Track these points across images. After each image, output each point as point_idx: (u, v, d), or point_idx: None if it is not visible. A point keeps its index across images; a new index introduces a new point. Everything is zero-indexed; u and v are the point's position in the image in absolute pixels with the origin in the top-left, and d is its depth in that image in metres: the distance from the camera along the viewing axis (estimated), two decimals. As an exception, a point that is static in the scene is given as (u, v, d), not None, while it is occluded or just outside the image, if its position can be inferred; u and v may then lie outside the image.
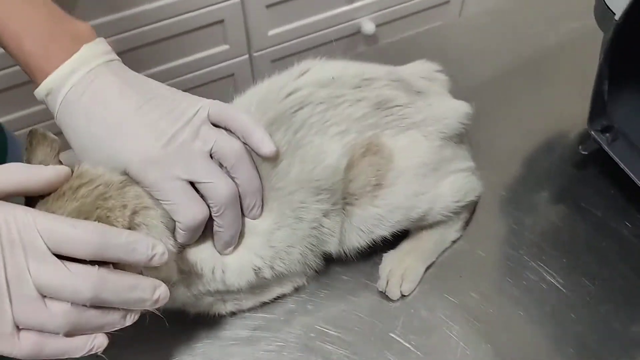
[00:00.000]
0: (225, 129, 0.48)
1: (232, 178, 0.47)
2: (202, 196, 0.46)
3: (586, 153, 0.62)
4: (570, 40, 0.75)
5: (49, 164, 0.44)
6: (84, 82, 0.45)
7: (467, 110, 0.56)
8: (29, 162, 0.44)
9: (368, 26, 1.36)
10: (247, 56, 1.30)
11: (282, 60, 1.35)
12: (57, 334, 0.40)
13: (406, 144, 0.53)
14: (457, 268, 0.57)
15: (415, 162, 0.53)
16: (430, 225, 0.57)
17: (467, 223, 0.60)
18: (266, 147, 0.47)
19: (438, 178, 0.55)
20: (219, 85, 1.32)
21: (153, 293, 0.41)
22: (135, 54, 1.17)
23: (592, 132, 0.61)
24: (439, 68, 0.60)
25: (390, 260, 0.56)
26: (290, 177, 0.49)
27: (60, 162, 0.46)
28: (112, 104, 0.45)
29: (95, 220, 0.41)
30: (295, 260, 0.51)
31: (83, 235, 0.39)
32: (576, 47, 0.74)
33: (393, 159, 0.51)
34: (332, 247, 0.53)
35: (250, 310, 0.54)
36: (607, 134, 0.61)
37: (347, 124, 0.51)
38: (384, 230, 0.53)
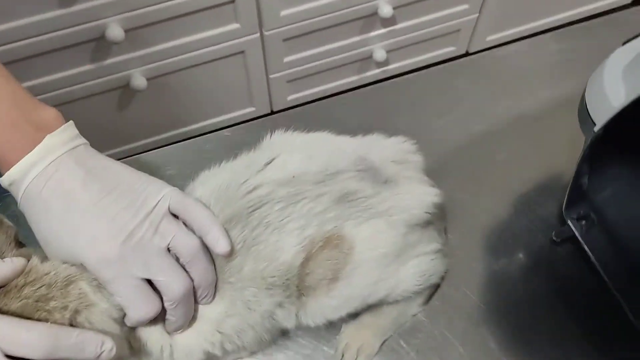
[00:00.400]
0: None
1: (187, 272, 0.48)
2: (157, 288, 0.47)
3: (558, 240, 0.62)
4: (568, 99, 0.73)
5: (4, 252, 0.45)
6: (45, 175, 0.46)
7: (435, 199, 0.56)
8: None
9: (385, 9, 1.32)
10: (258, 35, 1.27)
11: (294, 40, 1.32)
12: None
13: (369, 234, 0.52)
14: (414, 345, 0.59)
15: (377, 253, 0.53)
16: (390, 302, 0.58)
17: (429, 297, 0.60)
18: (221, 246, 0.48)
19: (400, 263, 0.55)
20: (229, 61, 1.30)
21: None
22: (147, 31, 1.15)
23: (568, 220, 0.60)
24: (414, 149, 0.59)
25: (348, 334, 0.58)
26: (243, 274, 0.50)
27: (21, 244, 0.47)
28: (72, 198, 0.45)
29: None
30: (247, 340, 0.52)
31: (36, 339, 0.41)
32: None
33: (353, 251, 0.52)
34: (289, 326, 0.54)
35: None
36: (583, 222, 0.60)
37: (307, 219, 0.51)
38: (339, 316, 0.54)
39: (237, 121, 1.48)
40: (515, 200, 0.67)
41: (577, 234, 0.59)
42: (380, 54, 1.42)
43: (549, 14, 1.57)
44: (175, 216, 0.49)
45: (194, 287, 0.49)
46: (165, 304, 0.47)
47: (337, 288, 0.52)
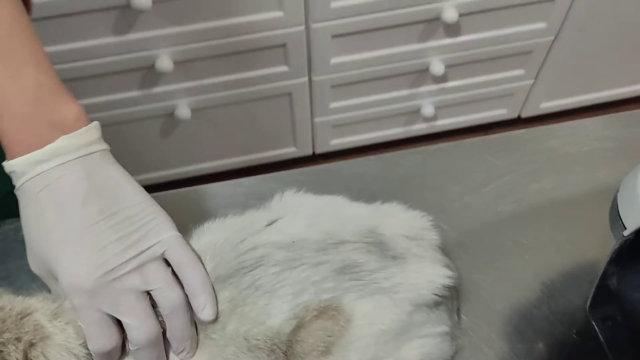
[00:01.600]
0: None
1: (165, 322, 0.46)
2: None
3: (579, 339, 0.57)
4: (607, 189, 0.69)
5: None
6: (48, 177, 0.44)
7: (446, 281, 0.53)
8: None
9: (437, 67, 1.31)
10: (306, 79, 1.27)
11: (342, 87, 1.32)
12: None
13: (370, 309, 0.50)
14: None
15: (376, 329, 0.50)
16: None
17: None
18: (205, 315, 0.46)
19: (403, 342, 0.52)
20: (275, 101, 1.31)
21: None
22: (197, 64, 1.17)
23: (592, 320, 0.56)
24: (430, 226, 0.56)
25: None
26: (225, 332, 0.48)
27: None
28: (67, 213, 0.44)
29: None
30: None
31: None
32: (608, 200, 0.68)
33: (350, 325, 0.49)
34: None
35: None
36: (609, 323, 0.56)
37: (302, 286, 0.48)
38: None
39: (278, 160, 1.48)
40: (538, 287, 0.63)
41: (600, 336, 0.55)
42: (428, 110, 1.41)
43: (605, 87, 1.53)
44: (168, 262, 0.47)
45: (167, 339, 0.47)
46: (129, 346, 0.46)
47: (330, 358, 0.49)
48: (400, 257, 0.52)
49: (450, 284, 0.53)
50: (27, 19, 0.46)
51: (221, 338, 0.48)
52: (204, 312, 0.47)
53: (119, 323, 0.45)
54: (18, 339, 0.43)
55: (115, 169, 0.46)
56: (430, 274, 0.53)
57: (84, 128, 0.45)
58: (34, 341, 0.44)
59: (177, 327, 0.47)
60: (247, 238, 0.50)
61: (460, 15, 1.23)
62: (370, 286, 0.50)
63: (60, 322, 0.45)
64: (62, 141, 0.44)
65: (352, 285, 0.49)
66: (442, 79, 1.37)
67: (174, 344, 0.47)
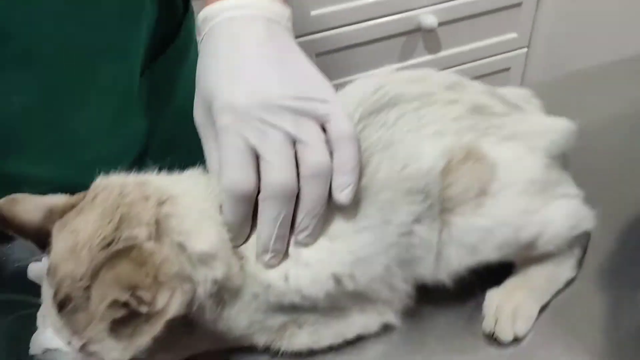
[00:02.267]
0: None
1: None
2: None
3: None
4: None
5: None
6: (234, 22, 0.47)
7: (572, 128, 0.51)
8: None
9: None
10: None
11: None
12: None
13: (510, 156, 0.49)
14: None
15: (521, 177, 0.49)
16: (540, 260, 0.52)
17: (581, 260, 0.54)
18: (344, 195, 0.45)
19: (546, 201, 0.51)
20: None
21: None
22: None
23: None
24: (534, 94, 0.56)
25: (496, 296, 0.52)
26: (378, 176, 0.46)
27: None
28: (241, 49, 0.46)
29: (119, 220, 0.42)
30: (379, 276, 0.48)
31: None
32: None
33: (497, 170, 0.48)
34: (426, 269, 0.49)
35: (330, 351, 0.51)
36: None
37: (443, 123, 0.48)
38: (489, 251, 0.49)
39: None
40: None
41: None
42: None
43: None
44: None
45: (295, 213, 0.45)
46: (260, 195, 0.44)
47: (486, 205, 0.47)
48: (520, 108, 0.51)
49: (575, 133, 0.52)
50: None
51: (374, 184, 0.46)
52: (343, 193, 0.44)
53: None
54: (146, 198, 0.44)
55: (294, 43, 0.49)
56: (555, 122, 0.52)
57: (279, 2, 0.50)
58: (162, 199, 0.45)
59: (311, 195, 0.44)
60: (381, 82, 0.50)
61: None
62: (503, 130, 0.50)
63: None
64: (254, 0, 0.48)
65: (486, 127, 0.49)
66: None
67: (300, 215, 0.45)
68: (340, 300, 0.48)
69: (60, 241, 0.43)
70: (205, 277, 0.44)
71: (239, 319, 0.47)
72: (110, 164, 0.48)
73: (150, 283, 0.40)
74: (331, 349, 0.51)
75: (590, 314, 0.52)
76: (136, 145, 0.68)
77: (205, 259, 0.44)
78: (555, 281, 0.53)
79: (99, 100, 0.62)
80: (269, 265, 0.46)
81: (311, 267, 0.46)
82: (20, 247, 0.59)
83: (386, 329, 0.52)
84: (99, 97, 0.61)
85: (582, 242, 0.55)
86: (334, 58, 1.38)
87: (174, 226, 0.44)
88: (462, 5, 1.41)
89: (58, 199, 0.47)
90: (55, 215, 0.45)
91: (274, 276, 0.46)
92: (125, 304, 0.40)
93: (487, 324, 0.51)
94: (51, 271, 0.43)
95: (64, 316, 0.42)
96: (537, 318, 0.52)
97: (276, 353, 0.50)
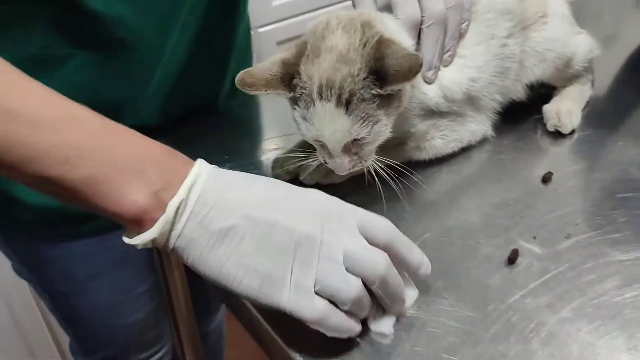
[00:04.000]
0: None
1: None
2: None
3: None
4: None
5: None
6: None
7: None
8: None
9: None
10: None
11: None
12: (344, 305, 0.47)
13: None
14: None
15: (561, 10, 0.74)
16: (571, 81, 0.76)
17: (593, 80, 0.78)
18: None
19: (574, 32, 0.75)
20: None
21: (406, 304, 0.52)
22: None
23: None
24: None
25: (552, 105, 0.74)
26: (484, 2, 0.67)
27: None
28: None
29: (361, 27, 0.57)
30: (488, 81, 0.67)
31: (383, 222, 0.49)
32: None
33: (547, 4, 0.72)
34: (510, 79, 0.70)
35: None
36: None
37: None
38: (549, 61, 0.71)
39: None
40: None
41: None
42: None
43: None
44: None
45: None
46: (424, 23, 0.62)
47: (548, 22, 0.71)
48: None
49: None
50: None
51: (481, 8, 0.67)
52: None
53: None
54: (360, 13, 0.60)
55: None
56: None
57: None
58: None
59: (454, 20, 0.64)
60: None
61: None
62: None
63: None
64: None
65: None
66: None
67: (446, 39, 0.64)
68: (462, 106, 0.67)
69: (321, 63, 0.56)
70: None
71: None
72: None
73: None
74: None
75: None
76: None
77: None
78: (584, 94, 0.77)
79: None
80: (431, 80, 0.63)
81: (453, 74, 0.65)
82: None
83: (483, 141, 0.72)
84: None
85: (592, 70, 0.78)
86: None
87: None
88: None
89: (281, 56, 0.59)
90: (289, 64, 0.57)
91: (429, 87, 0.65)
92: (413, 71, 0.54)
93: (551, 123, 0.72)
94: (326, 85, 0.55)
95: (351, 113, 0.55)
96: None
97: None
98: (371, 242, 0.48)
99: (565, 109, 0.73)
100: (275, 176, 0.66)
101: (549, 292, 0.53)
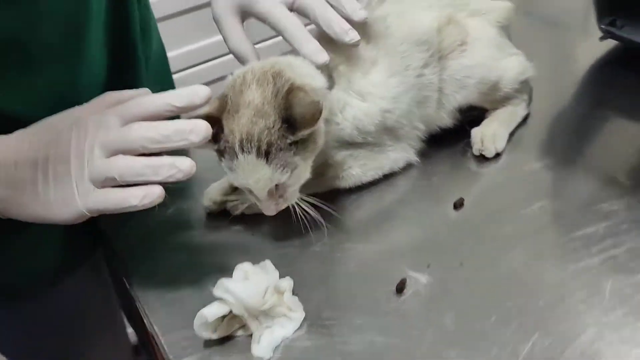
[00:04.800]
0: None
1: None
2: None
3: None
4: None
5: None
6: None
7: (512, 6, 0.78)
8: None
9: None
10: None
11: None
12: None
13: (475, 24, 0.75)
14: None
15: (485, 35, 0.75)
16: (503, 103, 0.77)
17: (530, 99, 0.80)
18: (358, 15, 0.66)
19: (502, 55, 0.76)
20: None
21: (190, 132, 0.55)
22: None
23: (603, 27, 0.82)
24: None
25: (479, 128, 0.76)
26: (397, 35, 0.70)
27: None
28: None
29: (272, 79, 0.61)
30: (405, 112, 0.70)
31: None
32: None
33: (469, 29, 0.74)
34: (432, 108, 0.73)
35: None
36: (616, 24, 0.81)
37: (430, 2, 0.74)
38: (471, 87, 0.73)
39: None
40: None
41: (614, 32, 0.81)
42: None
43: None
44: None
45: None
46: None
47: (467, 50, 0.73)
48: None
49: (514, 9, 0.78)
50: None
51: (395, 40, 0.70)
52: (356, 15, 0.66)
53: None
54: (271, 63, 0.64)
55: None
56: (502, 4, 0.79)
57: None
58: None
59: None
60: None
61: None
62: (469, 7, 0.76)
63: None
64: None
65: (460, 3, 0.75)
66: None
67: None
68: (380, 136, 0.70)
69: (241, 118, 0.60)
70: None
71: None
72: None
73: (318, 98, 0.60)
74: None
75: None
76: None
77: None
78: (516, 116, 0.78)
79: None
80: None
81: (365, 106, 0.68)
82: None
83: (408, 167, 0.74)
84: None
85: (528, 90, 0.80)
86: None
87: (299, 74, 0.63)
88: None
89: (205, 110, 0.61)
90: (212, 119, 0.59)
91: (341, 119, 0.68)
92: (315, 117, 0.58)
93: (476, 148, 0.74)
94: (246, 139, 0.59)
95: (271, 162, 0.59)
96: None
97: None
98: None
99: (490, 133, 0.74)
100: (206, 207, 0.72)
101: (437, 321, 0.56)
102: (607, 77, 0.86)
